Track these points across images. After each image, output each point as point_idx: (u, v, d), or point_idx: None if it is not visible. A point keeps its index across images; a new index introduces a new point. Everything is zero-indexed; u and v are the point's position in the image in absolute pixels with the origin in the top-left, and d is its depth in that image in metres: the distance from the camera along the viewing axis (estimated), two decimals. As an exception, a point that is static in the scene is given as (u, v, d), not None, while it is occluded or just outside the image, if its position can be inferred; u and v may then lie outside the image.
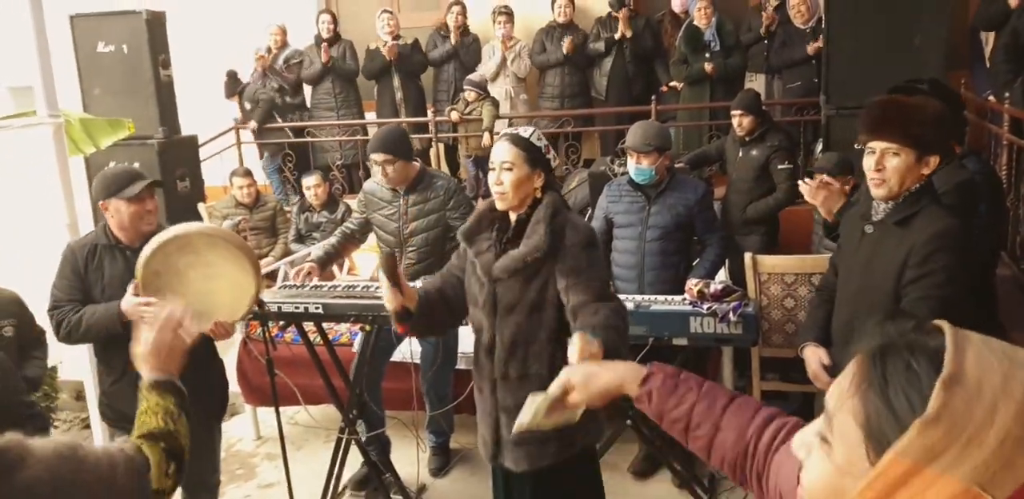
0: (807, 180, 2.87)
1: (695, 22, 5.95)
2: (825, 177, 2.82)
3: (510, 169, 2.20)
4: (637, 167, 3.50)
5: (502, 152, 2.22)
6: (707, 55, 5.88)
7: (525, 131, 2.27)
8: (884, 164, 2.18)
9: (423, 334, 2.74)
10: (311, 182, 5.49)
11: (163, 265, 2.55)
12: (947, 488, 0.64)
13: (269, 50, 6.60)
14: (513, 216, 2.29)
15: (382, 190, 3.53)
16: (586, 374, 1.31)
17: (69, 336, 2.72)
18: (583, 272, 2.20)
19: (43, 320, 2.99)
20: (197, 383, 2.85)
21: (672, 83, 6.27)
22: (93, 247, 2.75)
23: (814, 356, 2.47)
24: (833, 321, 2.46)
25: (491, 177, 2.24)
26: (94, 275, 2.74)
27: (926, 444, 0.65)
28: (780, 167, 4.31)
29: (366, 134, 6.79)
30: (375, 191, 3.57)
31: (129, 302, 2.60)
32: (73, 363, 3.90)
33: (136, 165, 3.77)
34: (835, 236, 2.86)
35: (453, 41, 6.46)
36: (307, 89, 6.85)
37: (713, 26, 5.89)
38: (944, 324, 0.74)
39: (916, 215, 2.20)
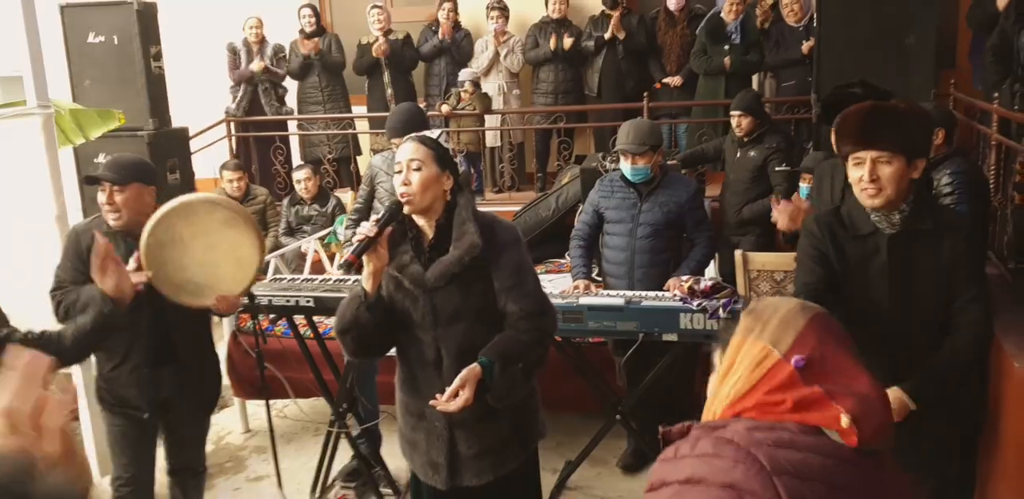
0: (781, 206, 2.96)
1: (722, 14, 5.85)
2: (795, 199, 2.99)
3: (419, 168, 2.09)
4: (633, 167, 3.51)
5: (409, 150, 2.12)
6: (726, 47, 5.82)
7: (432, 133, 2.18)
8: (877, 173, 2.15)
9: (375, 336, 2.22)
10: (301, 175, 5.49)
11: (167, 235, 2.55)
12: (756, 348, 1.17)
13: (248, 45, 6.55)
14: (424, 222, 2.17)
15: (391, 166, 3.57)
16: None
17: (67, 316, 2.64)
18: (522, 273, 2.16)
19: (17, 321, 2.92)
20: (191, 373, 2.88)
21: (665, 80, 6.26)
22: (96, 233, 2.72)
23: None
24: (882, 346, 2.13)
25: (397, 179, 2.12)
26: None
27: (745, 325, 1.20)
28: (778, 169, 4.32)
29: (355, 128, 6.79)
30: (381, 165, 3.63)
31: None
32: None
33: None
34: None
35: (443, 35, 6.44)
36: (292, 85, 6.81)
37: (738, 20, 5.83)
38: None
39: (936, 217, 2.21)
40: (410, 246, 2.17)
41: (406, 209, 2.12)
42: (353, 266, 2.07)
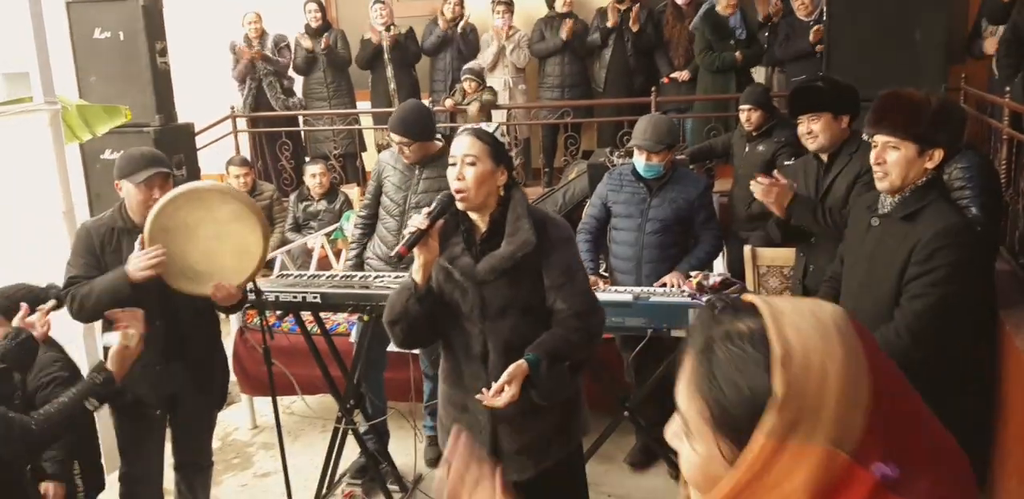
0: (759, 179, 2.89)
1: (717, 9, 5.79)
2: (775, 174, 2.93)
3: (473, 163, 2.08)
4: (647, 164, 3.49)
5: (465, 145, 2.10)
6: (732, 43, 5.76)
7: (488, 127, 2.18)
8: (884, 157, 2.17)
9: (424, 327, 2.21)
10: (316, 169, 5.45)
11: (172, 219, 2.52)
12: (812, 456, 0.70)
13: (248, 40, 6.54)
14: (476, 215, 2.17)
15: (397, 159, 3.57)
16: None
17: (81, 309, 2.63)
18: (572, 272, 2.15)
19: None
20: (199, 370, 2.88)
21: (673, 74, 6.21)
22: (110, 230, 2.71)
23: None
24: None
25: (451, 172, 2.11)
26: (111, 257, 2.69)
27: (784, 422, 0.71)
28: (787, 163, 4.29)
29: (360, 124, 6.78)
30: (389, 160, 3.63)
31: (134, 258, 2.53)
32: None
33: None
34: (790, 235, 2.93)
35: (444, 26, 6.40)
36: (298, 79, 6.79)
37: (738, 14, 5.78)
38: (754, 298, 0.76)
39: (923, 210, 2.19)
40: (462, 238, 2.16)
41: (460, 205, 2.12)
42: (403, 259, 2.08)
